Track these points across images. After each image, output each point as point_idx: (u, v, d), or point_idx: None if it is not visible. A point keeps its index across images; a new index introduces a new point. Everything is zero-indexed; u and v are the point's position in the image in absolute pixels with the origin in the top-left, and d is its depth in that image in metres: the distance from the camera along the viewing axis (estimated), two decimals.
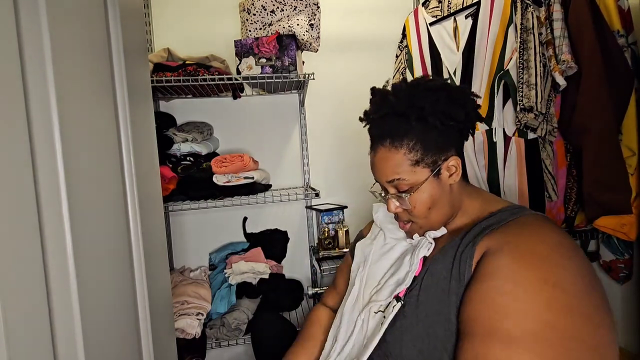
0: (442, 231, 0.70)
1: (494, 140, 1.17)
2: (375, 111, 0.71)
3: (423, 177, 0.65)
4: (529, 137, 1.11)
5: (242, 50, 1.37)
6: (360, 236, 0.92)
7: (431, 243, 0.68)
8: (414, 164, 0.65)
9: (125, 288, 0.58)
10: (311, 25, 1.39)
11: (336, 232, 1.63)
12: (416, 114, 0.64)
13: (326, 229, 1.64)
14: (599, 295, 0.51)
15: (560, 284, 0.49)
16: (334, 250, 1.61)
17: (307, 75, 1.40)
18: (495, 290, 0.51)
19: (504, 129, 1.15)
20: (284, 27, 1.36)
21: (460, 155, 0.69)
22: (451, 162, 0.66)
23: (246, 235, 1.70)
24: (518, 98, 1.07)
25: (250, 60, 1.37)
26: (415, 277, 0.66)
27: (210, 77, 1.34)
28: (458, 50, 1.36)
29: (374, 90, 0.74)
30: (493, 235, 0.59)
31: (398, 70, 1.75)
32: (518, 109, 1.07)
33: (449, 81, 1.40)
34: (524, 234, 0.56)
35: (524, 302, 0.48)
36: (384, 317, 0.64)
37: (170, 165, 1.44)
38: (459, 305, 0.57)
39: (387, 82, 0.75)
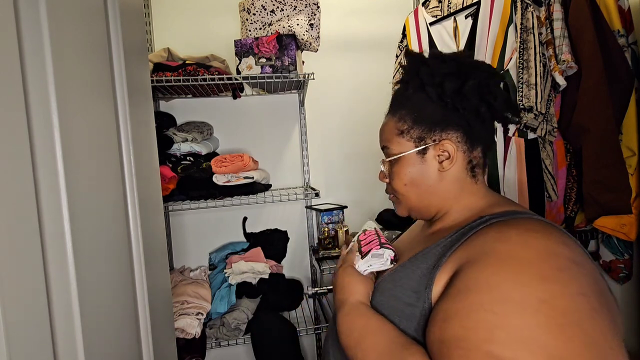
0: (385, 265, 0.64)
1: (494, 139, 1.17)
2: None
3: (405, 150, 0.62)
4: (528, 137, 1.11)
5: (242, 50, 1.37)
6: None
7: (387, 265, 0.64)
8: (399, 134, 0.63)
9: (125, 288, 0.58)
10: (311, 25, 1.39)
11: (336, 232, 1.63)
12: (415, 82, 0.62)
13: (326, 229, 1.64)
14: (606, 318, 0.41)
15: (552, 300, 0.41)
16: (334, 250, 1.61)
17: (307, 75, 1.40)
18: (478, 307, 0.43)
19: (504, 128, 1.15)
20: (283, 27, 1.36)
21: (481, 151, 0.63)
22: (444, 147, 0.60)
23: (246, 235, 1.70)
24: (518, 98, 1.07)
25: (250, 60, 1.37)
26: (383, 280, 0.62)
27: (210, 77, 1.34)
28: (458, 50, 1.36)
29: None
30: (469, 244, 0.51)
31: (398, 70, 1.75)
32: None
33: None
34: (503, 239, 0.48)
35: (513, 322, 0.41)
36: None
37: (170, 165, 1.44)
38: (421, 323, 0.51)
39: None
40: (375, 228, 0.76)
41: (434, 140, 0.60)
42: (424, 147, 0.61)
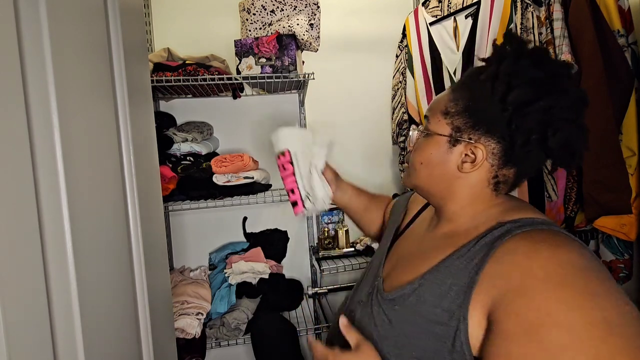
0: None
1: None
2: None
3: (439, 131, 0.58)
4: None
5: (242, 50, 1.37)
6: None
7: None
8: (443, 113, 0.58)
9: (125, 288, 0.58)
10: (311, 25, 1.39)
11: (336, 232, 1.63)
12: (492, 71, 0.54)
13: (326, 229, 1.64)
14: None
15: (609, 315, 0.41)
16: (334, 250, 1.61)
17: (307, 75, 1.40)
18: (547, 346, 0.41)
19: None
20: (284, 27, 1.36)
21: (514, 172, 0.57)
22: (475, 150, 0.55)
23: (246, 235, 1.70)
24: None
25: (250, 60, 1.37)
26: (403, 291, 0.59)
27: (210, 77, 1.34)
28: (458, 50, 1.36)
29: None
30: (499, 261, 0.48)
31: (398, 70, 1.75)
32: None
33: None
34: (535, 258, 0.46)
35: (584, 348, 0.40)
36: None
37: (170, 165, 1.44)
38: (457, 343, 0.48)
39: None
40: (292, 153, 0.77)
41: (470, 139, 0.56)
42: (456, 138, 0.57)
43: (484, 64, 0.59)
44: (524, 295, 0.44)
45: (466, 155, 0.56)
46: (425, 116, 0.63)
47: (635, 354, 0.38)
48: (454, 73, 1.38)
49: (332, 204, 0.88)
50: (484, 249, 0.51)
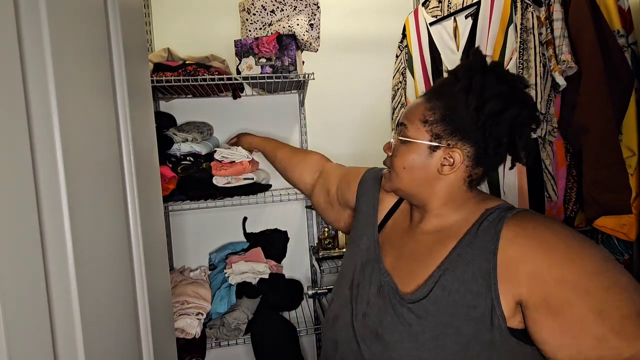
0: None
1: None
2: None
3: (419, 138, 0.64)
4: None
5: (242, 50, 1.37)
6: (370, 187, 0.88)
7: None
8: (422, 121, 0.64)
9: (125, 288, 0.58)
10: (311, 25, 1.39)
11: (336, 232, 1.63)
12: (464, 84, 0.62)
13: (326, 229, 1.64)
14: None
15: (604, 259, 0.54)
16: (334, 250, 1.61)
17: (307, 75, 1.40)
18: (598, 301, 0.52)
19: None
20: (284, 27, 1.36)
21: (482, 171, 0.66)
22: (452, 154, 0.63)
23: (246, 235, 1.70)
24: None
25: (250, 60, 1.37)
26: (426, 287, 0.63)
27: (210, 77, 1.34)
28: (458, 50, 1.36)
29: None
30: (512, 244, 0.57)
31: (398, 70, 1.75)
32: None
33: None
34: (549, 243, 0.56)
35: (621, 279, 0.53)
36: None
37: (170, 165, 1.44)
38: (494, 318, 0.56)
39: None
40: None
41: (448, 144, 0.63)
42: (436, 145, 0.63)
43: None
44: (554, 266, 0.54)
45: (445, 159, 0.64)
46: (402, 123, 0.68)
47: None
48: None
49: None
50: (487, 233, 0.60)
